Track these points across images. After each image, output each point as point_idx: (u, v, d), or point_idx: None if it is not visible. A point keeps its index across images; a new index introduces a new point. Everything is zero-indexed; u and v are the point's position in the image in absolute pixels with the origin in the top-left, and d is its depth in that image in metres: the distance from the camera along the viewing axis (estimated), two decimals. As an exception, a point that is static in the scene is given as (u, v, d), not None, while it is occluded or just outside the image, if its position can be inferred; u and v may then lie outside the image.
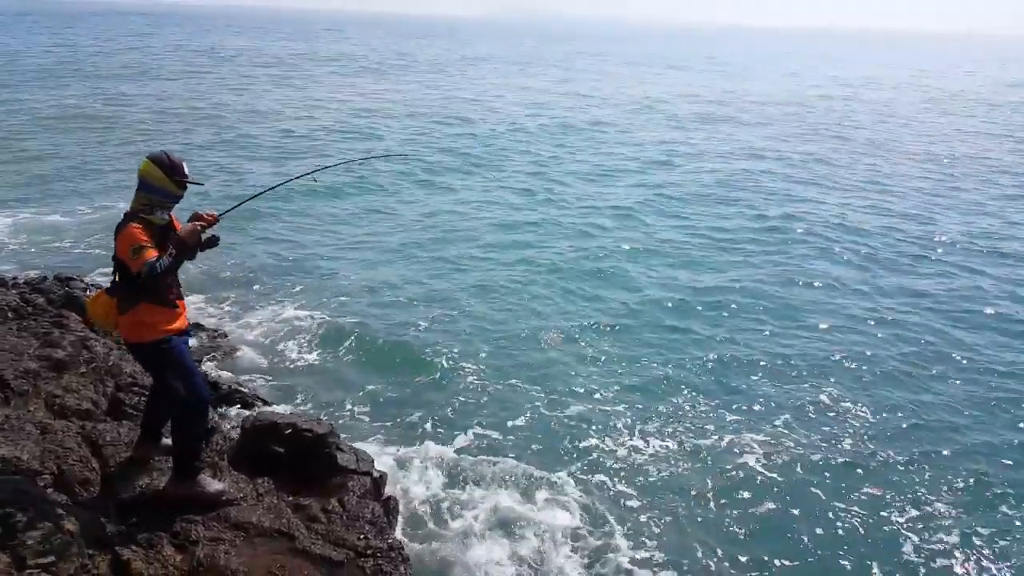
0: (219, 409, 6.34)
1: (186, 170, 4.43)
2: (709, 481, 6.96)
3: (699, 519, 6.48)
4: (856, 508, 6.67)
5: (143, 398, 5.61)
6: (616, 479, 6.98)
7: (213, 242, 4.59)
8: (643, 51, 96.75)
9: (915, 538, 6.34)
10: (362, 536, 4.78)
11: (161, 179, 4.32)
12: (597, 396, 8.46)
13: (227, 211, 4.74)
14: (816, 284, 12.31)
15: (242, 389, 6.70)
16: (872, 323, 10.77)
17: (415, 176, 19.33)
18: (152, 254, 4.14)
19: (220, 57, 54.04)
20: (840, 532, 6.39)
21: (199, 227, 4.37)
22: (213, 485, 4.71)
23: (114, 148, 20.77)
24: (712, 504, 6.68)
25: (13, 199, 15.32)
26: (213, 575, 4.18)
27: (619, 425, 7.87)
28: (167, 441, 4.87)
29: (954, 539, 6.30)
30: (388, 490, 5.83)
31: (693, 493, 6.77)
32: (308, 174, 6.12)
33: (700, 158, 23.18)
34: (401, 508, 5.94)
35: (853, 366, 9.40)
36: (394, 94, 36.72)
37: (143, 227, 4.24)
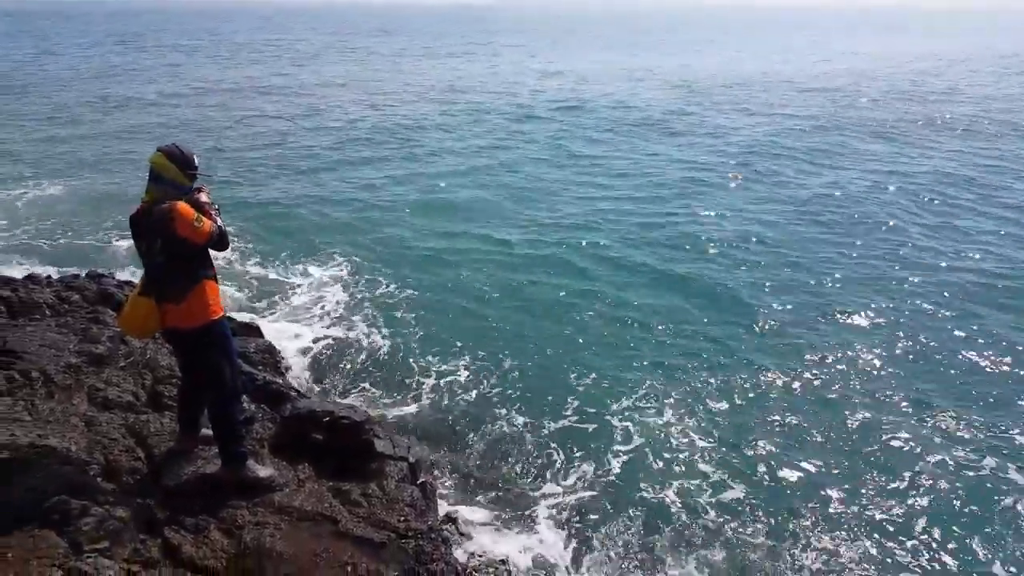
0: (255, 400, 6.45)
1: (196, 162, 4.40)
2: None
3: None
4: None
5: (181, 390, 5.71)
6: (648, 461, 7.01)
7: None
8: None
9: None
10: (403, 518, 4.85)
11: (173, 171, 4.27)
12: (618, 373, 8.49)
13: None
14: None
15: (277, 380, 6.79)
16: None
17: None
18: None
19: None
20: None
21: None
22: (262, 470, 4.80)
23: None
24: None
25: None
26: (260, 558, 4.27)
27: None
28: (207, 431, 4.96)
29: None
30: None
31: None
32: None
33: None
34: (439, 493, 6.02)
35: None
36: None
37: None
